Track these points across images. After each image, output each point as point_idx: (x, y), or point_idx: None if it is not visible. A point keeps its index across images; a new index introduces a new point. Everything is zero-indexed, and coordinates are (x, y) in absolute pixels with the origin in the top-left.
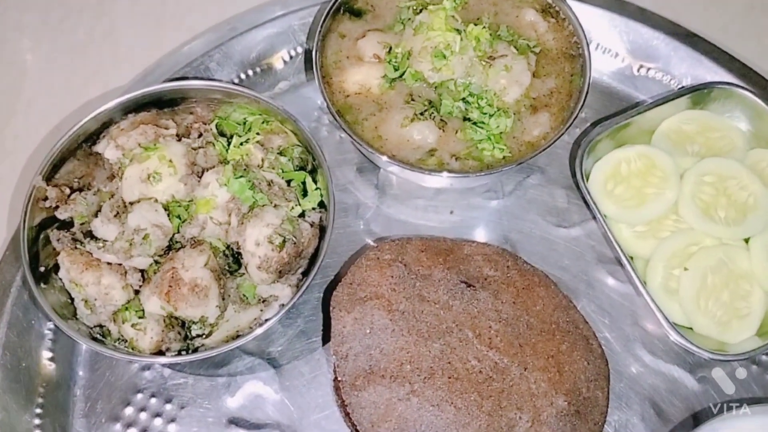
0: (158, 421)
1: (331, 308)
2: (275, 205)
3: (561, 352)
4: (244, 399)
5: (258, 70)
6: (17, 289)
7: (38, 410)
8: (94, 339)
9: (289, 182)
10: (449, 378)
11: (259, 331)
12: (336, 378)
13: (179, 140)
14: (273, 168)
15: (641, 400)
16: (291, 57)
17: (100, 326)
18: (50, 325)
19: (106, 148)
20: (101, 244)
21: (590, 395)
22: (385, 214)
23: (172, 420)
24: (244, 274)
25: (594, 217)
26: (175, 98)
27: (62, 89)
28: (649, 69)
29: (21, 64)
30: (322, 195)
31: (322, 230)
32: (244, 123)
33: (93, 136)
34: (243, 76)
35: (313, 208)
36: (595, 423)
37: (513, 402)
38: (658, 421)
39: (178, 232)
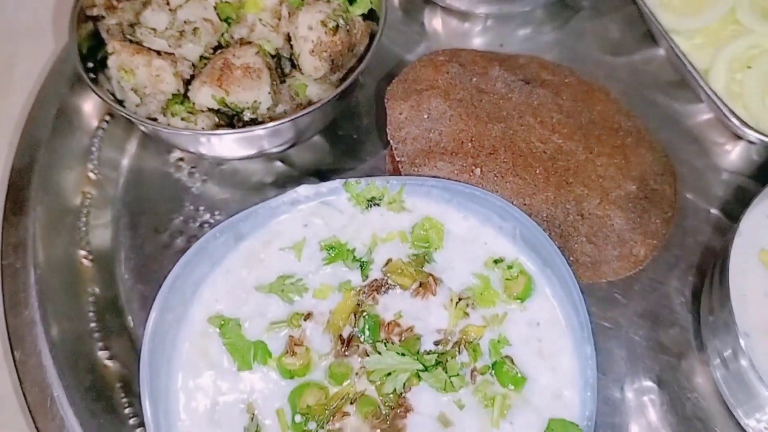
0: (207, 229)
1: (385, 101)
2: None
3: (626, 144)
4: None
5: None
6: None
7: (83, 218)
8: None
9: None
10: (513, 154)
11: (315, 106)
12: (393, 164)
13: None
14: None
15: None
16: None
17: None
18: (95, 139)
19: None
20: (151, 31)
21: (658, 188)
22: (433, 48)
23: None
24: (294, 76)
25: (650, 31)
26: None
27: None
28: None
29: None
30: (372, 2)
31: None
32: None
33: None
34: None
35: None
36: (665, 212)
37: (580, 180)
38: (728, 223)
39: (227, 32)
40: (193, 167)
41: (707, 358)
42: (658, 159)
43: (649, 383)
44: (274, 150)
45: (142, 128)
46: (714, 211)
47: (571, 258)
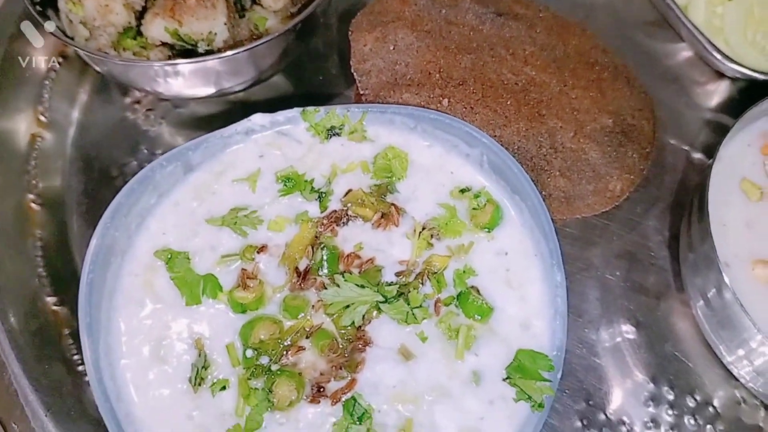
0: None
1: (349, 33)
2: None
3: (602, 79)
4: None
5: None
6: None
7: (33, 161)
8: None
9: None
10: (483, 86)
11: (273, 35)
12: (358, 100)
13: None
14: None
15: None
16: None
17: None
18: (46, 82)
19: None
20: None
21: (636, 123)
22: None
23: None
24: (254, 10)
25: None
26: None
27: None
28: None
29: None
30: None
31: None
32: None
33: None
34: None
35: None
36: (643, 148)
37: (553, 112)
38: (708, 161)
39: None
40: (149, 110)
41: (687, 298)
42: (636, 94)
43: (626, 325)
44: (235, 89)
45: (96, 67)
46: (694, 149)
47: (543, 192)
